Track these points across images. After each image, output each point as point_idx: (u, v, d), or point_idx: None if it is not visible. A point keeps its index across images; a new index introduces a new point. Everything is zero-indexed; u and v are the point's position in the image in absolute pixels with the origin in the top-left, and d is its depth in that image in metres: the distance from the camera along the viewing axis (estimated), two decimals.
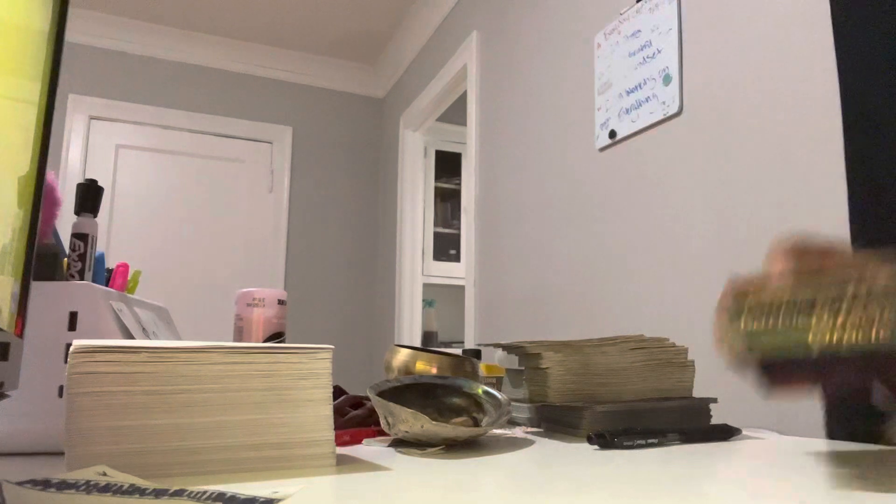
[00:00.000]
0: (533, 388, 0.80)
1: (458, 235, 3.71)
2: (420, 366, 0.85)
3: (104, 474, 0.39)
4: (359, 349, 3.57)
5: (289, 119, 3.58)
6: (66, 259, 0.75)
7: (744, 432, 0.73)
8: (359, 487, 0.42)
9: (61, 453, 0.57)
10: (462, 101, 3.26)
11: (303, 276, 3.48)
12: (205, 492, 0.36)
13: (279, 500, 0.36)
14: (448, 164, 3.76)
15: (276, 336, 0.84)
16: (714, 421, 0.77)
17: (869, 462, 0.51)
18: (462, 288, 3.75)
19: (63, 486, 0.37)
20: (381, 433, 0.68)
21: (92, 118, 3.18)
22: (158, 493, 0.36)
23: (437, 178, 3.70)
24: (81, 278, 0.74)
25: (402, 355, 0.87)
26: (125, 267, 0.82)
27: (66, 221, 2.80)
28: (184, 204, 3.30)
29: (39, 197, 0.52)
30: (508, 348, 0.83)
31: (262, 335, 0.83)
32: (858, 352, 0.35)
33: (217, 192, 3.38)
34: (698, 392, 1.27)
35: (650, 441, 0.62)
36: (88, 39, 3.19)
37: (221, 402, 0.46)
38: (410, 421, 0.57)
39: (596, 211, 1.70)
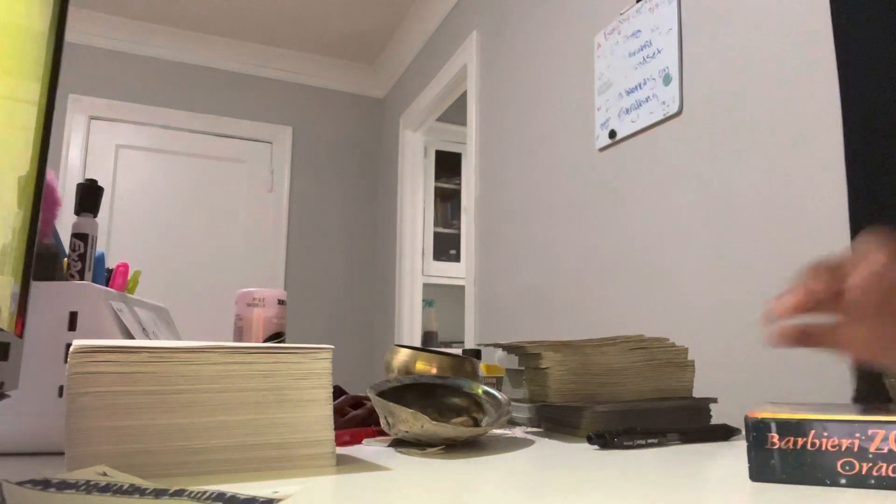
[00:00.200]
0: (533, 388, 0.80)
1: (458, 235, 3.71)
2: (420, 366, 0.85)
3: (104, 474, 0.39)
4: (359, 349, 3.57)
5: (289, 119, 3.58)
6: (66, 259, 0.75)
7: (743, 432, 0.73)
8: (359, 487, 0.42)
9: (61, 453, 0.56)
10: (462, 101, 3.26)
11: (303, 276, 3.48)
12: (205, 492, 0.36)
13: (279, 500, 0.36)
14: (448, 164, 3.76)
15: (276, 336, 0.84)
16: (714, 421, 0.78)
17: None
18: (462, 288, 3.74)
19: (63, 486, 0.37)
20: (381, 433, 0.68)
21: (92, 118, 3.18)
22: (158, 493, 0.36)
23: (437, 178, 3.70)
24: (81, 278, 0.74)
25: (402, 355, 0.87)
26: (125, 267, 0.82)
27: (66, 221, 2.80)
28: (184, 204, 3.30)
29: (39, 197, 0.52)
30: (508, 348, 0.83)
31: (262, 335, 0.83)
32: None
33: (217, 192, 3.38)
34: (698, 392, 1.27)
35: (650, 441, 0.63)
36: (88, 39, 3.19)
37: (221, 402, 0.46)
38: (410, 421, 0.57)
39: (596, 211, 1.70)
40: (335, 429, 0.67)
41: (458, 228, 3.72)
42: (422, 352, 0.88)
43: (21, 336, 0.49)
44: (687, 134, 1.40)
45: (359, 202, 3.69)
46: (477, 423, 0.69)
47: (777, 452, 0.43)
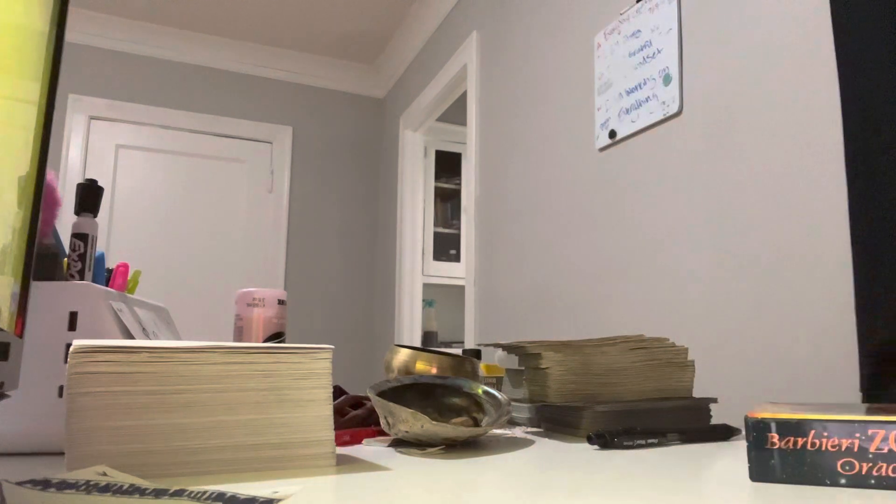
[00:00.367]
0: (533, 388, 0.80)
1: (458, 235, 3.71)
2: (420, 366, 0.85)
3: (104, 474, 0.39)
4: (359, 349, 3.57)
5: (289, 119, 3.58)
6: (66, 259, 0.75)
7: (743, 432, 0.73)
8: (359, 487, 0.42)
9: (61, 453, 0.56)
10: (462, 101, 3.26)
11: (303, 276, 3.48)
12: (205, 492, 0.36)
13: (279, 500, 0.36)
14: (448, 164, 3.76)
15: (276, 336, 0.84)
16: (714, 421, 0.78)
17: None
18: (462, 288, 3.74)
19: (63, 486, 0.37)
20: (381, 433, 0.68)
21: (92, 118, 3.18)
22: (158, 493, 0.36)
23: (437, 178, 3.70)
24: (81, 278, 0.74)
25: (402, 355, 0.87)
26: (125, 267, 0.82)
27: (66, 221, 2.80)
28: (184, 204, 3.30)
29: (39, 197, 0.52)
30: (508, 348, 0.83)
31: (262, 335, 0.83)
32: None
33: (217, 192, 3.38)
34: (698, 392, 1.27)
35: (650, 441, 0.63)
36: (88, 39, 3.19)
37: (221, 402, 0.46)
38: (410, 421, 0.57)
39: (596, 211, 1.70)
40: (335, 429, 0.67)
41: (458, 228, 3.72)
42: (422, 352, 0.88)
43: (21, 336, 0.49)
44: (687, 134, 1.40)
45: (359, 202, 3.69)
46: (477, 423, 0.69)
47: (777, 452, 0.43)
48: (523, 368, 0.82)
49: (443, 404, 0.72)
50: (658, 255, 1.46)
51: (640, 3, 1.57)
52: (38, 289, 0.59)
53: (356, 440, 0.65)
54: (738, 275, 1.24)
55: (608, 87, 1.67)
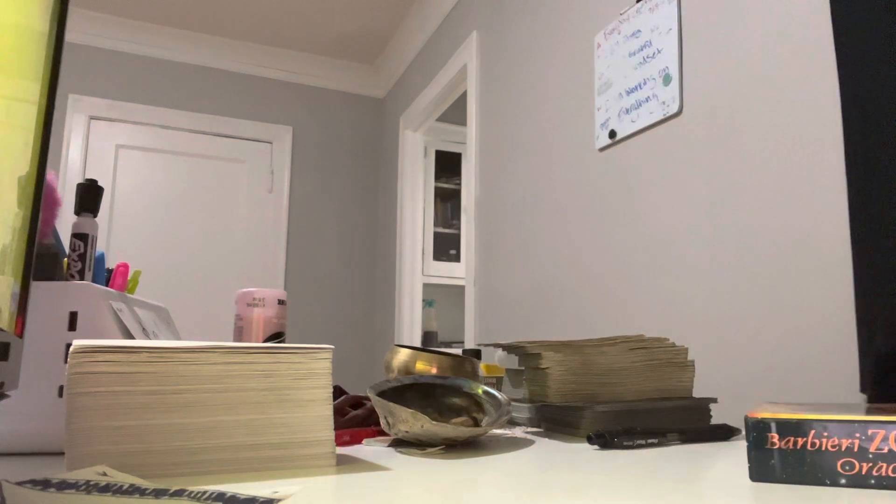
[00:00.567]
0: (533, 388, 0.80)
1: (458, 235, 3.71)
2: (420, 366, 0.85)
3: (104, 474, 0.39)
4: (359, 349, 3.57)
5: (289, 119, 3.58)
6: (66, 259, 0.75)
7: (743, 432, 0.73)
8: (359, 487, 0.42)
9: (61, 453, 0.57)
10: (462, 101, 3.26)
11: (303, 276, 3.48)
12: (205, 492, 0.36)
13: (279, 500, 0.36)
14: (448, 164, 3.76)
15: (276, 336, 0.84)
16: (714, 421, 0.78)
17: None
18: (462, 288, 3.74)
19: (63, 486, 0.37)
20: (381, 433, 0.68)
21: (92, 118, 3.18)
22: (158, 493, 0.36)
23: (437, 178, 3.70)
24: (81, 278, 0.74)
25: (402, 355, 0.87)
26: (125, 267, 0.82)
27: (66, 221, 2.80)
28: (184, 204, 3.30)
29: (39, 197, 0.52)
30: (508, 348, 0.83)
31: (262, 335, 0.83)
32: None
33: (217, 192, 3.38)
34: (698, 392, 1.27)
35: (650, 441, 0.63)
36: (88, 39, 3.19)
37: (221, 402, 0.46)
38: (410, 421, 0.57)
39: (596, 211, 1.70)
40: (335, 429, 0.67)
41: (458, 228, 3.72)
42: (422, 352, 0.88)
43: (21, 336, 0.49)
44: (687, 134, 1.40)
45: (359, 202, 3.69)
46: (477, 423, 0.69)
47: (777, 452, 0.43)
48: (523, 368, 0.82)
49: (443, 404, 0.72)
50: (658, 256, 1.46)
51: (640, 3, 1.57)
52: (38, 289, 0.59)
53: (356, 440, 0.65)
54: (737, 275, 1.24)
55: (608, 87, 1.67)
